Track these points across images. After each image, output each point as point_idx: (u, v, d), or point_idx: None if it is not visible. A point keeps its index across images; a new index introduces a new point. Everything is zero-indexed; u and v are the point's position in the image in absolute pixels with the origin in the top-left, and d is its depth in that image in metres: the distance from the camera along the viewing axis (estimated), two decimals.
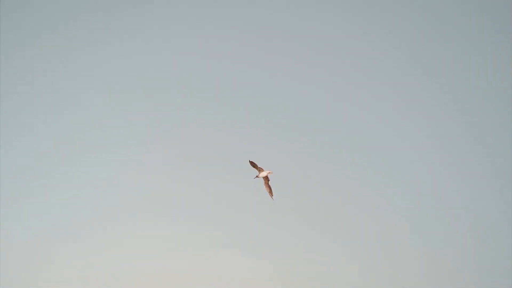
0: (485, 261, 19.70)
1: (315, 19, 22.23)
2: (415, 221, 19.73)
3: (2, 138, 19.52)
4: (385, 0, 21.61)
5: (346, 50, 22.36)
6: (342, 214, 20.35)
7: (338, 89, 22.61)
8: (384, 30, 21.35)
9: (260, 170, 11.48)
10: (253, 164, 11.45)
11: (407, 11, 21.73)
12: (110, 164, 20.68)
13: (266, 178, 11.40)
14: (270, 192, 11.39)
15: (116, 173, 20.60)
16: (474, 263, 19.55)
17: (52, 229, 19.33)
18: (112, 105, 21.44)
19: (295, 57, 22.86)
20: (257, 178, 11.49)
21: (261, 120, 22.25)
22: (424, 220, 20.44)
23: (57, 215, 19.63)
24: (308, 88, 22.78)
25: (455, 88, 22.41)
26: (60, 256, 18.69)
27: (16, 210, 20.04)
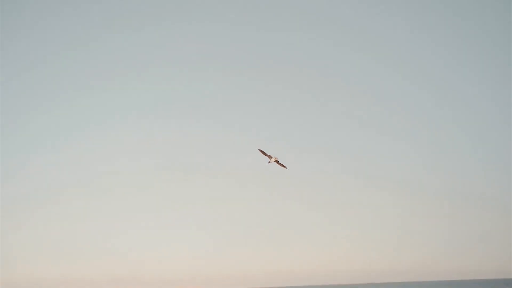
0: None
1: None
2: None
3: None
4: None
5: None
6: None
7: None
8: None
9: (269, 156, 14.48)
10: (262, 152, 14.41)
11: None
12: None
13: (276, 162, 14.38)
14: (283, 166, 14.52)
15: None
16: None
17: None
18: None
19: None
20: (269, 163, 14.40)
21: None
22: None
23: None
24: None
25: None
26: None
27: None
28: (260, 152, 14.94)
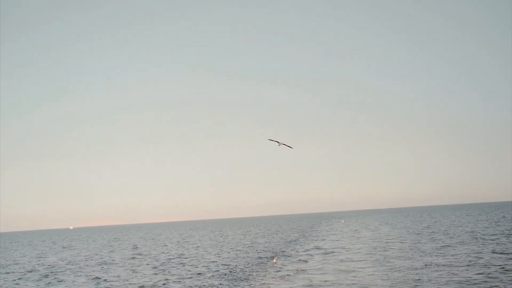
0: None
1: None
2: None
3: None
4: None
5: None
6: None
7: None
8: None
9: (277, 142, 20.60)
10: (271, 140, 20.42)
11: None
12: None
13: (284, 144, 20.57)
14: (289, 146, 20.78)
15: None
16: None
17: None
18: None
19: None
20: (279, 145, 20.75)
21: None
22: None
23: None
24: None
25: None
26: None
27: None
28: (270, 141, 20.12)
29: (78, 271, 34.03)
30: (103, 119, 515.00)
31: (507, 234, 43.92)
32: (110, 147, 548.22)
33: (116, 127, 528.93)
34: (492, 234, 44.04)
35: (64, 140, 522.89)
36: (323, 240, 52.10)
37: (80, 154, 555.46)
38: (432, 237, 44.89)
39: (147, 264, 36.38)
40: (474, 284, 20.20)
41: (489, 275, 21.77)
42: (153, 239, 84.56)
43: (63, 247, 72.71)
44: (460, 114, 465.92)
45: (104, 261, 41.14)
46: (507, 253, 28.98)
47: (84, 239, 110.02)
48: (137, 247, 59.72)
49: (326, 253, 35.81)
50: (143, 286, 25.22)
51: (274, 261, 32.69)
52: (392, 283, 21.44)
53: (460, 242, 38.23)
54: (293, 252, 38.49)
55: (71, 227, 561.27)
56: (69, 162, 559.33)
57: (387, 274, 23.82)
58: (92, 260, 43.78)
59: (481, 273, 22.45)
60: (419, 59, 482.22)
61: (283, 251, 40.00)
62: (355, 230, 68.99)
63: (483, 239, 39.83)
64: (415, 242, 40.71)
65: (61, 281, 29.43)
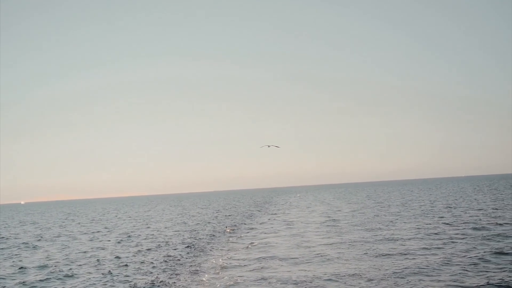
0: None
1: None
2: None
3: None
4: None
5: None
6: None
7: None
8: None
9: (267, 145, 30.30)
10: (262, 146, 28.99)
11: None
12: None
13: (274, 146, 28.60)
14: (277, 146, 29.60)
15: None
16: None
17: None
18: None
19: None
20: (269, 147, 29.36)
21: None
22: None
23: None
24: None
25: None
26: None
27: None
28: (262, 148, 29.61)
29: (42, 245, 34.48)
30: (64, 99, 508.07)
31: (455, 206, 46.40)
32: (65, 124, 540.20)
33: (72, 106, 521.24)
34: (447, 206, 46.43)
35: (16, 117, 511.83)
36: (280, 213, 53.66)
37: (33, 131, 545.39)
38: (383, 211, 46.89)
39: (109, 237, 37.04)
40: (419, 253, 21.75)
41: (435, 246, 23.37)
42: (109, 213, 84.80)
43: (21, 221, 72.32)
44: (432, 86, 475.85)
45: (66, 234, 41.59)
46: (452, 224, 30.93)
47: (40, 213, 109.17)
48: (96, 221, 60.10)
49: (282, 225, 37.20)
50: (104, 259, 26.00)
51: (228, 230, 34.96)
52: (340, 251, 22.89)
53: (410, 215, 40.21)
54: (253, 225, 39.78)
55: (22, 202, 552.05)
56: (22, 138, 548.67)
57: (337, 245, 25.29)
58: (52, 233, 44.11)
59: (427, 243, 24.09)
60: (392, 27, 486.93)
61: (242, 224, 41.25)
62: (311, 204, 70.94)
63: (432, 211, 41.99)
64: (367, 215, 42.52)
65: (24, 255, 29.89)
